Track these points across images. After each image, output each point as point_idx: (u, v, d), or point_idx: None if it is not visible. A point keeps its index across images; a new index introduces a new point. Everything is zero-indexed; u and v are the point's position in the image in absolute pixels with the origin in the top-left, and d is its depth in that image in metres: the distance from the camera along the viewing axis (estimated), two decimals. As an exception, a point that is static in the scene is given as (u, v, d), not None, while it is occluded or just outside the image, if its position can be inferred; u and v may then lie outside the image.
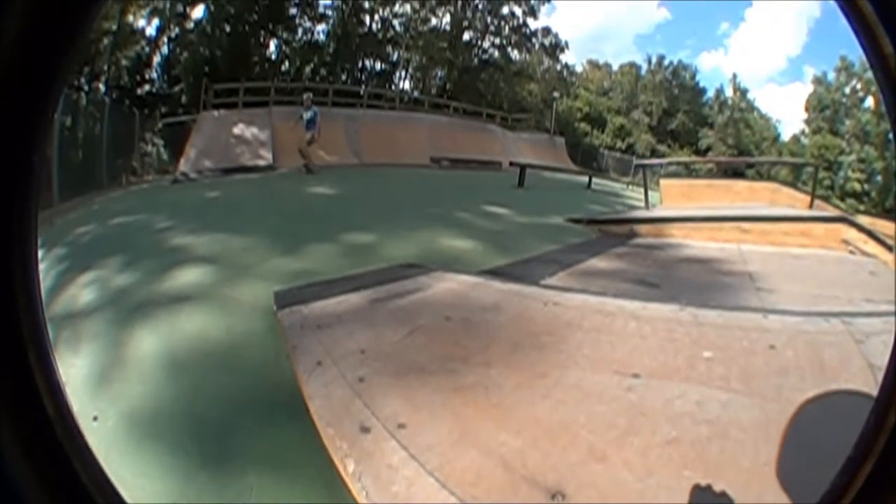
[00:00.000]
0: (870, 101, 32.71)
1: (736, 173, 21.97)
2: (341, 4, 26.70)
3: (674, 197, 12.68)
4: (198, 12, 23.52)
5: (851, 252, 7.71)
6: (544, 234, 7.40)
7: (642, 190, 13.29)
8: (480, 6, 31.15)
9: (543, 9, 32.65)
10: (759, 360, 3.04)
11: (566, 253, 6.41)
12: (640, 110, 36.36)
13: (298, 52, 25.85)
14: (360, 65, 28.05)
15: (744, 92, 37.18)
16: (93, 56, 19.91)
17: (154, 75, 23.30)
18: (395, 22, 29.01)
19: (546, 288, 4.04)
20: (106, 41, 20.45)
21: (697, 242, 7.37)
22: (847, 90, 34.49)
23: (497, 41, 31.72)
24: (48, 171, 12.04)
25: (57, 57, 0.87)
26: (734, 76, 37.46)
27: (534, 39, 32.26)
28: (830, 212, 10.60)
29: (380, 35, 28.14)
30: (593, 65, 38.98)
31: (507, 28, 31.54)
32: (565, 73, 35.39)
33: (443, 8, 30.13)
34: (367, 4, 27.59)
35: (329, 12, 26.71)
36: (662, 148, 33.40)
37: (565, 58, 34.76)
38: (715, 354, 3.08)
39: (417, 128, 19.65)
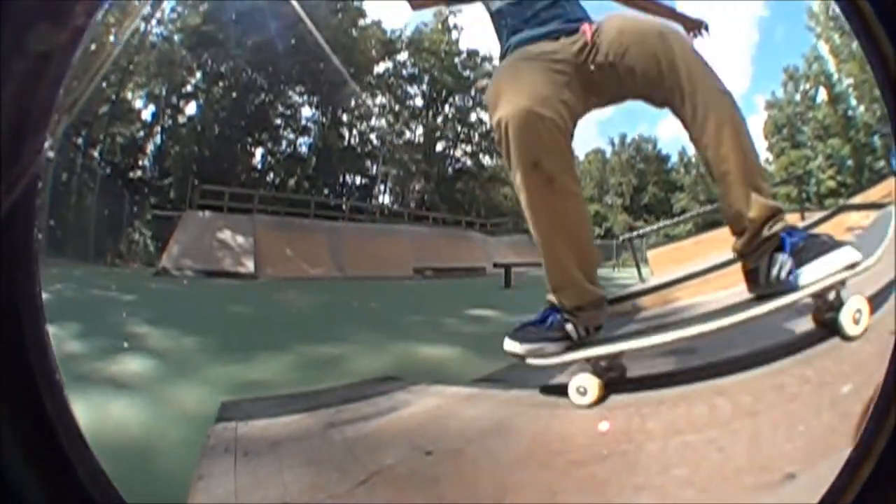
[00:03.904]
0: (822, 94, 33.14)
1: (715, 223, 21.37)
2: (321, 118, 27.52)
3: (664, 264, 11.11)
4: (191, 108, 24.48)
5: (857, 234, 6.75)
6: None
7: (629, 270, 13.08)
8: (450, 115, 31.84)
9: None
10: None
11: None
12: (611, 193, 36.52)
13: (282, 164, 26.29)
14: (341, 179, 28.49)
15: None
16: (90, 121, 20.89)
17: (147, 163, 23.92)
18: (373, 136, 29.70)
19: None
20: (104, 108, 21.42)
21: (709, 296, 5.68)
22: (798, 97, 34.55)
23: (469, 149, 32.17)
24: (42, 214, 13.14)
25: (58, 57, 0.92)
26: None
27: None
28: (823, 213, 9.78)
29: (359, 149, 28.75)
30: None
31: (476, 135, 31.86)
32: None
33: (415, 120, 30.88)
34: (345, 118, 28.46)
35: (311, 125, 27.38)
36: (640, 223, 33.78)
37: None
38: (862, 377, 1.81)
39: (399, 240, 19.45)
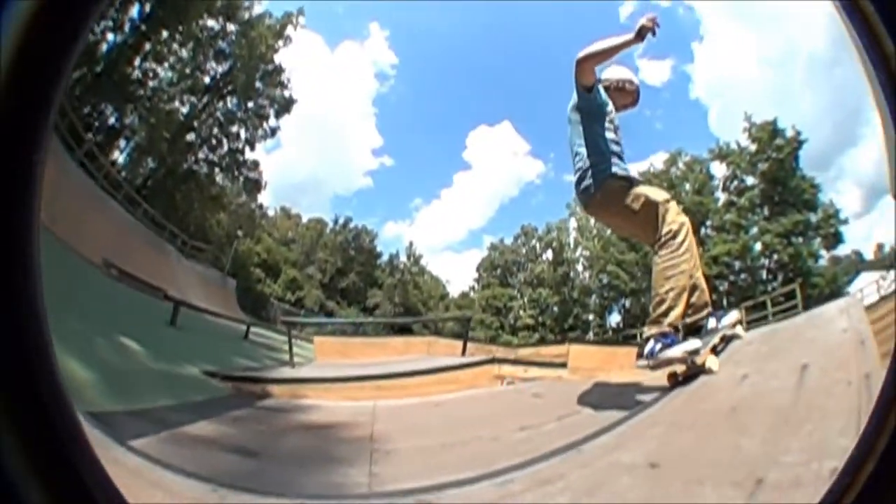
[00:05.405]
0: (549, 254, 39.68)
1: (403, 330, 23.89)
2: (140, 27, 25.18)
3: (328, 354, 12.47)
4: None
5: (510, 383, 7.87)
6: (170, 384, 6.68)
7: (301, 346, 13.15)
8: (218, 114, 30.26)
9: (268, 143, 32.71)
10: None
11: (180, 411, 5.49)
12: (315, 266, 37.20)
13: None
14: (100, 107, 25.51)
15: (417, 258, 40.75)
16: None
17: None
18: (151, 82, 27.00)
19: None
20: None
21: (330, 403, 6.88)
22: (524, 250, 40.33)
23: (211, 157, 30.45)
24: None
25: (57, 57, 0.92)
26: (410, 244, 41.01)
27: (242, 169, 31.34)
28: (483, 356, 11.07)
29: (132, 87, 25.93)
30: (285, 213, 39.95)
31: (226, 146, 30.58)
32: (257, 213, 34.98)
33: (189, 96, 28.93)
34: (147, 46, 26.08)
35: (126, 27, 24.85)
36: (331, 304, 34.92)
37: (262, 198, 34.62)
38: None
39: (107, 217, 17.73)
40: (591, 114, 5.24)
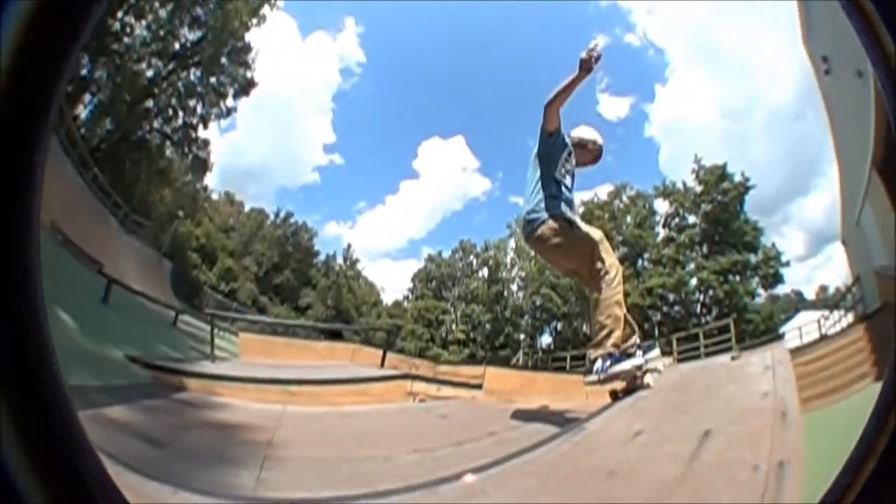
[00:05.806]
0: (485, 271, 40.54)
1: (335, 334, 23.31)
2: None
3: (252, 352, 12.58)
4: None
5: (422, 401, 8.05)
6: (94, 364, 6.53)
7: (228, 339, 13.40)
8: (180, 84, 29.66)
9: (222, 123, 32.42)
10: None
11: (99, 392, 5.31)
12: (252, 258, 36.85)
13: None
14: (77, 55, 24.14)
15: (354, 262, 41.08)
16: None
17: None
18: (125, 39, 26.31)
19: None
20: None
21: (241, 403, 6.69)
22: (461, 265, 40.89)
23: (166, 128, 29.80)
24: None
25: (58, 56, 0.93)
26: (349, 247, 41.53)
27: (193, 146, 30.67)
28: (399, 370, 11.41)
29: (109, 39, 25.27)
30: (229, 198, 39.45)
31: (181, 119, 29.98)
32: (201, 194, 34.29)
33: (157, 60, 28.17)
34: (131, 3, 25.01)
35: None
36: (264, 300, 34.62)
37: (207, 180, 33.93)
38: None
39: (63, 177, 16.82)
40: (550, 159, 5.84)
